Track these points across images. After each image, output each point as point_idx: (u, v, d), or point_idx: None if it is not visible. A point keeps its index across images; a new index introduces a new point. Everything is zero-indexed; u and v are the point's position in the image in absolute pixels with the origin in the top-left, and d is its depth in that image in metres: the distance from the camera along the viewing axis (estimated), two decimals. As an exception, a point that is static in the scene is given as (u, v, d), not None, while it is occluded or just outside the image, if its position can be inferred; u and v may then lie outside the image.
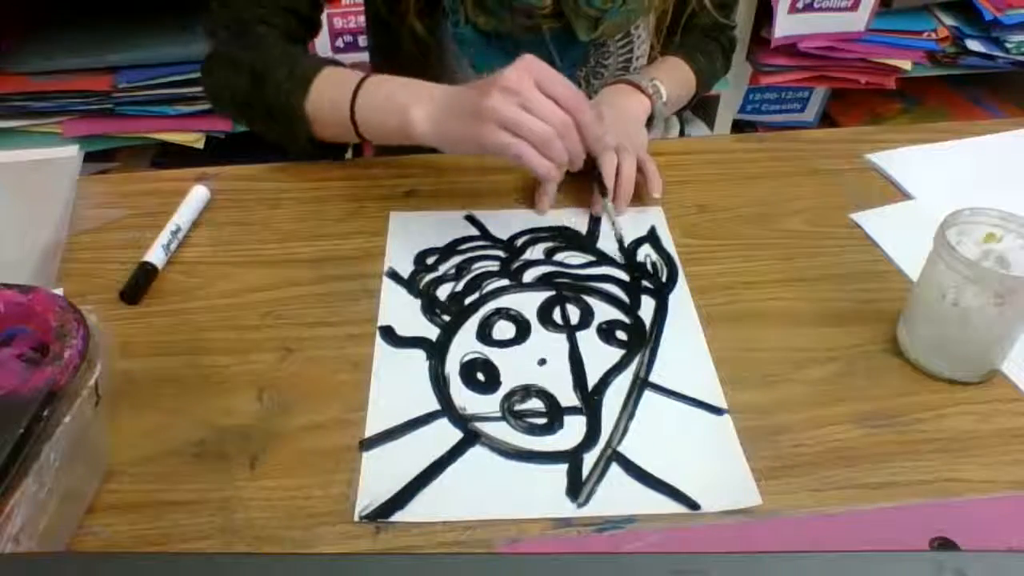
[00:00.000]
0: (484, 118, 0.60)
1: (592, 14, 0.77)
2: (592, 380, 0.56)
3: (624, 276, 0.66)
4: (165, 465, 0.51)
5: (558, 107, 0.60)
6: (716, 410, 0.54)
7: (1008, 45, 1.52)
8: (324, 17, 1.36)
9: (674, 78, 0.85)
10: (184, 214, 0.70)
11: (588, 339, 0.60)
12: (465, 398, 0.55)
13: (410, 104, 0.65)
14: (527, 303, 0.63)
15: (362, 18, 1.38)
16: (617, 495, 0.49)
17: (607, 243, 0.69)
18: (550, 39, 0.81)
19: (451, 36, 0.82)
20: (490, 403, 0.55)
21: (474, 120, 0.60)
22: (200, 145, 1.35)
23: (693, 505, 0.48)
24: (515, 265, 0.67)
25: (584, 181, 0.73)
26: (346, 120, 0.69)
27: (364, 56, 1.41)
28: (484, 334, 0.60)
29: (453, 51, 0.83)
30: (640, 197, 0.73)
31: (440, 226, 0.70)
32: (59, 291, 0.61)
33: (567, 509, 0.48)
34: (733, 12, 0.96)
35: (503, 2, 0.76)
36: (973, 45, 1.54)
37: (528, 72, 0.60)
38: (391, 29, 0.80)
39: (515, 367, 0.57)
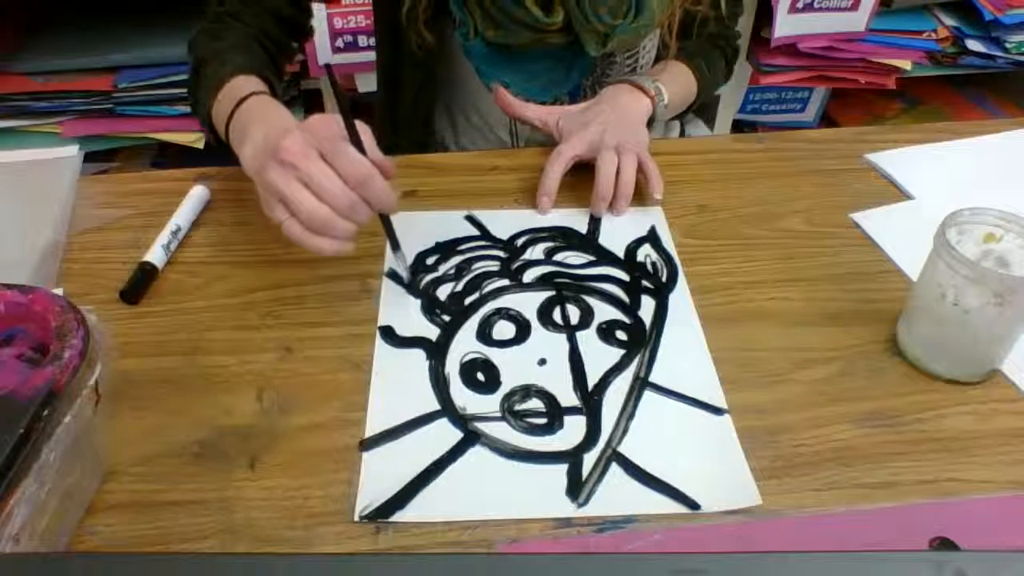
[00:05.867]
0: (263, 189, 0.55)
1: (601, 29, 0.78)
2: (592, 380, 0.56)
3: (624, 276, 0.66)
4: (165, 465, 0.51)
5: (341, 183, 0.53)
6: (716, 410, 0.54)
7: (1008, 45, 1.53)
8: (323, 20, 1.37)
9: (677, 82, 0.85)
10: (184, 214, 0.70)
11: (588, 339, 0.60)
12: (465, 398, 0.55)
13: (244, 142, 0.60)
14: (527, 303, 0.63)
15: (362, 18, 1.38)
16: (617, 495, 0.49)
17: (607, 243, 0.69)
18: (558, 52, 0.81)
19: (458, 46, 0.82)
20: (490, 403, 0.55)
21: (261, 187, 0.56)
22: (200, 145, 1.35)
23: (693, 505, 0.48)
24: (515, 265, 0.67)
25: (584, 181, 0.73)
26: (227, 140, 0.66)
27: (364, 56, 1.42)
28: (484, 334, 0.60)
29: (460, 60, 0.84)
30: (640, 197, 0.73)
31: (440, 226, 0.70)
32: (59, 291, 0.61)
33: (567, 509, 0.48)
34: (738, 21, 0.96)
35: (513, 16, 0.76)
36: (973, 45, 1.54)
37: (309, 141, 0.54)
38: (398, 35, 0.80)
39: (515, 367, 0.57)
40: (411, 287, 0.64)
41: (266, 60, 0.75)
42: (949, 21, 1.56)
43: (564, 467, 0.51)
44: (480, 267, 0.66)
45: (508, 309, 0.62)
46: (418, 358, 0.58)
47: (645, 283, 0.65)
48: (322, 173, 0.53)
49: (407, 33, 0.79)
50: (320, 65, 1.43)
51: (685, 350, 0.59)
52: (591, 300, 0.63)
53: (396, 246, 0.63)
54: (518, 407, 0.54)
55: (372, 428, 0.53)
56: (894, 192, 0.77)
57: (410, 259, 0.66)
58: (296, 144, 0.53)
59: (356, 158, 0.54)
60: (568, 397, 0.55)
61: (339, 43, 1.42)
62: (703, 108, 1.62)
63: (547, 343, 0.59)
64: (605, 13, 0.77)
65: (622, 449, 0.52)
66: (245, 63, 0.70)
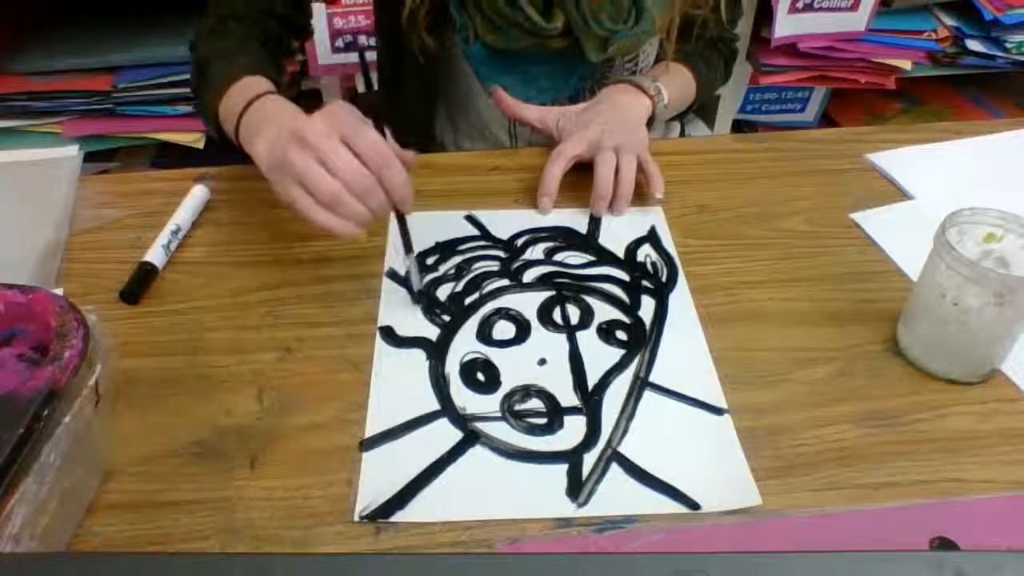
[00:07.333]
0: (283, 171, 0.56)
1: (601, 34, 0.78)
2: (592, 380, 0.56)
3: (624, 276, 0.66)
4: (165, 465, 0.51)
5: (359, 163, 0.55)
6: (716, 410, 0.54)
7: (1008, 45, 1.52)
8: (323, 20, 1.37)
9: (676, 82, 0.86)
10: (184, 214, 0.70)
11: (588, 339, 0.60)
12: (465, 398, 0.55)
13: (257, 136, 0.61)
14: (527, 303, 0.63)
15: (362, 18, 1.38)
16: (617, 495, 0.49)
17: (607, 243, 0.69)
18: (558, 57, 0.81)
19: (459, 50, 0.82)
20: (490, 403, 0.55)
21: (279, 171, 0.57)
22: (200, 145, 1.35)
23: (693, 505, 0.48)
24: (515, 265, 0.67)
25: (584, 181, 0.73)
26: (234, 137, 0.66)
27: (366, 56, 1.41)
28: (484, 334, 0.60)
29: (460, 63, 0.84)
30: (640, 197, 0.73)
31: (440, 226, 0.70)
32: (59, 291, 0.61)
33: (567, 509, 0.48)
34: (738, 24, 0.96)
35: (513, 21, 0.76)
36: (973, 45, 1.54)
37: (333, 124, 0.55)
38: (399, 38, 0.80)
39: (515, 367, 0.57)
40: (416, 296, 0.62)
41: (268, 60, 0.75)
42: (949, 21, 1.56)
43: (564, 467, 0.51)
44: (480, 267, 0.66)
45: (508, 309, 0.62)
46: (418, 358, 0.58)
47: (645, 283, 0.65)
48: (341, 154, 0.54)
49: (408, 36, 0.79)
50: (320, 64, 1.43)
51: (685, 350, 0.59)
52: (591, 300, 0.63)
53: (409, 247, 0.61)
54: (518, 407, 0.54)
55: (372, 428, 0.53)
56: (894, 192, 0.77)
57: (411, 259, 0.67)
58: (317, 126, 0.55)
59: (376, 140, 0.55)
60: (568, 397, 0.55)
61: (339, 43, 1.42)
62: (703, 108, 1.63)
63: (547, 343, 0.59)
64: (605, 19, 0.77)
65: (622, 449, 0.52)
66: (252, 64, 0.70)
